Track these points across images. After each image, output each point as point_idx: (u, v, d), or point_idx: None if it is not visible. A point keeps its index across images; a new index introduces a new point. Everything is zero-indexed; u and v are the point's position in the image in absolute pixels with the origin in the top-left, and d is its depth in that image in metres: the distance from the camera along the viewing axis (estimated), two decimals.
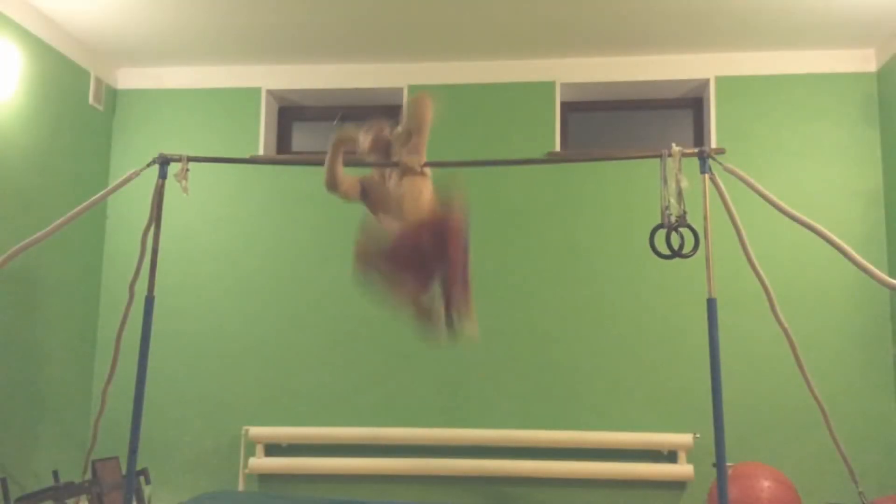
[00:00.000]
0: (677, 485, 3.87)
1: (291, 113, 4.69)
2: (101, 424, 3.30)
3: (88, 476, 3.50)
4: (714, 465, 2.59)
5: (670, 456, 3.88)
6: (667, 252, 2.72)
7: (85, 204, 2.94)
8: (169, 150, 2.97)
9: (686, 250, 2.71)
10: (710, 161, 2.68)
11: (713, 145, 4.06)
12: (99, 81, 4.30)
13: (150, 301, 2.83)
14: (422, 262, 2.34)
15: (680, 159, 2.66)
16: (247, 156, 4.27)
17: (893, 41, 3.86)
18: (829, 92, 4.07)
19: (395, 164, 2.57)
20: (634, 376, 3.99)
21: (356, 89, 4.44)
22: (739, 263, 2.88)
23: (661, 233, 2.73)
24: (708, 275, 2.60)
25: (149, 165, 2.91)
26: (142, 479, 3.84)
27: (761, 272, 2.77)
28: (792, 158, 4.05)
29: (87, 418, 4.12)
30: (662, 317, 4.02)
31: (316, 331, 4.19)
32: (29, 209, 3.70)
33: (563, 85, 4.29)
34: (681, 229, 2.70)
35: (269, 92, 4.47)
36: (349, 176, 2.62)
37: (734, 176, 2.65)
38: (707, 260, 2.61)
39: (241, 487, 4.02)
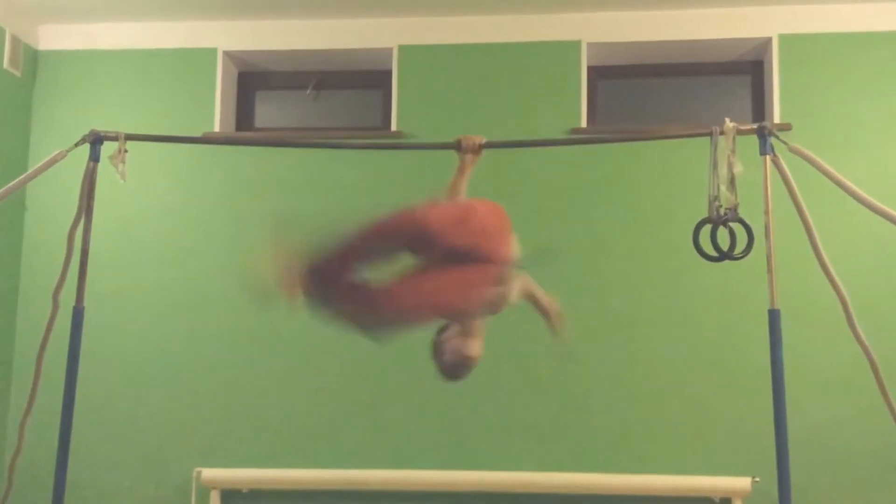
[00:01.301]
0: None
1: (254, 80, 4.69)
2: (18, 466, 3.30)
3: None
4: None
5: None
6: (714, 253, 2.73)
7: None
8: (103, 126, 2.97)
9: (737, 251, 2.72)
10: (773, 140, 2.69)
11: (776, 120, 4.06)
12: (16, 41, 4.30)
13: (78, 313, 2.84)
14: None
15: (734, 138, 2.67)
16: (199, 133, 4.27)
17: None
18: None
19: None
20: (678, 407, 3.99)
21: (334, 50, 4.44)
22: (809, 267, 2.89)
23: (708, 229, 2.73)
24: (770, 281, 2.61)
25: (77, 145, 2.92)
26: None
27: (836, 278, 2.78)
28: (874, 136, 4.05)
29: (1, 458, 4.12)
30: (712, 333, 4.02)
31: (286, 350, 4.19)
32: None
33: (591, 45, 4.29)
34: (731, 224, 2.70)
35: (227, 54, 4.47)
36: None
37: (802, 158, 2.65)
38: (769, 263, 2.62)
39: None
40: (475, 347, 2.42)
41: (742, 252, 2.73)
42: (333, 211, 4.23)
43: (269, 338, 4.20)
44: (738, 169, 2.65)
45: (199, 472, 4.04)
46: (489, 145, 2.82)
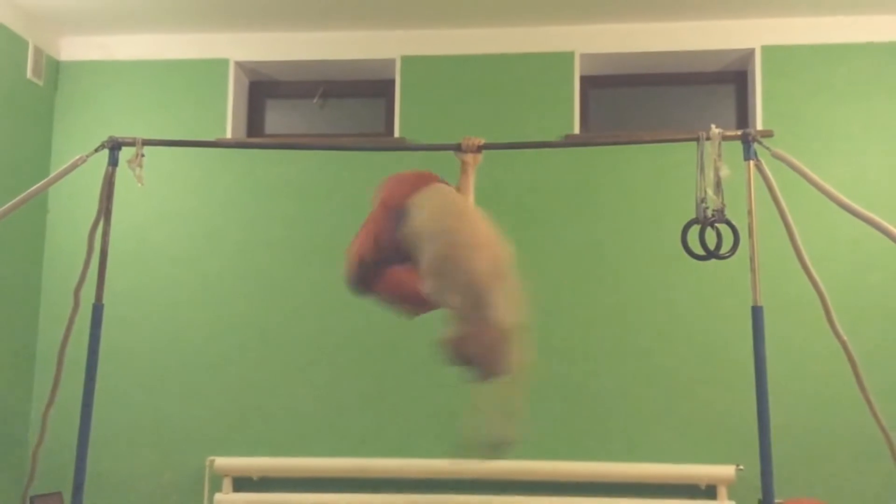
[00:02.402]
0: None
1: (264, 89, 4.69)
2: (40, 454, 3.30)
3: None
4: (760, 501, 2.59)
5: (709, 491, 3.88)
6: (701, 252, 2.73)
7: (22, 196, 2.94)
8: (121, 133, 2.97)
9: (724, 250, 2.72)
10: (756, 145, 2.69)
11: (759, 127, 4.06)
12: (38, 52, 4.30)
13: (98, 310, 2.84)
14: None
15: (720, 143, 2.67)
16: (212, 139, 4.27)
17: None
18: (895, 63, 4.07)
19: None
20: (666, 398, 3.99)
21: (340, 61, 4.44)
22: (790, 266, 2.88)
23: (696, 229, 2.74)
24: (753, 279, 2.61)
25: (97, 150, 2.92)
26: None
27: (816, 276, 2.77)
28: (852, 142, 4.05)
29: (24, 447, 4.11)
30: (699, 328, 4.02)
31: (293, 345, 4.19)
32: None
33: (584, 56, 4.29)
34: (718, 225, 2.71)
35: (238, 64, 4.47)
36: None
37: (783, 163, 2.65)
38: (752, 262, 2.62)
39: None
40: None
41: (728, 251, 2.73)
42: (336, 213, 4.24)
43: (277, 334, 4.21)
44: (725, 172, 2.65)
45: (213, 461, 4.04)
46: (488, 146, 2.84)
